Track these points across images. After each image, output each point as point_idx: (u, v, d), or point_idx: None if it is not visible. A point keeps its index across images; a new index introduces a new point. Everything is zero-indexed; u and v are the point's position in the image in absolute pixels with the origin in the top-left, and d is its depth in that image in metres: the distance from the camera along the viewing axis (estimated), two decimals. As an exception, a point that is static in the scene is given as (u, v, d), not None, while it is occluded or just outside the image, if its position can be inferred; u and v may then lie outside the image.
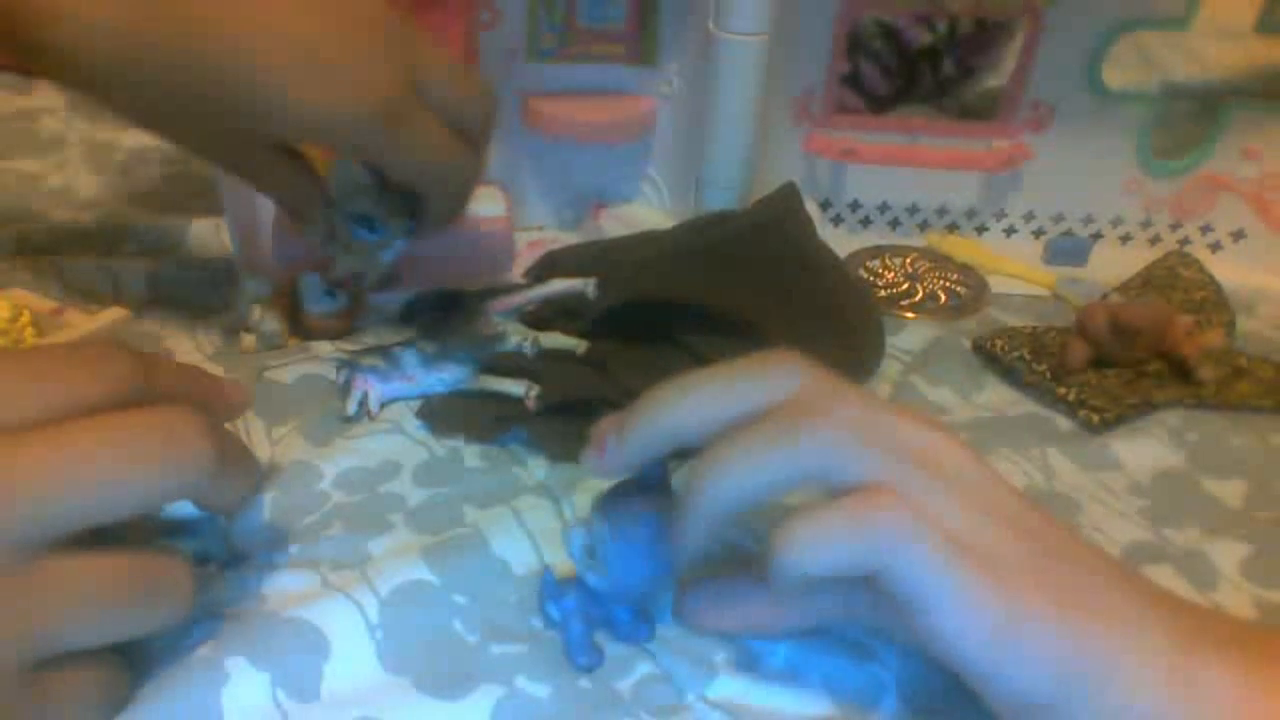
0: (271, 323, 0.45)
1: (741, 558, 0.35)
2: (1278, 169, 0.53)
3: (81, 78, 0.36)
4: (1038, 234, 0.57)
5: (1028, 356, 0.46)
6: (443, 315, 0.44)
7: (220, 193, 0.47)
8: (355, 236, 0.43)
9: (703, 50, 0.49)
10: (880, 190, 0.56)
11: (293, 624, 0.31)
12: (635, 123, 0.53)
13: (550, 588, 0.32)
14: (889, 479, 0.26)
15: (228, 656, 0.30)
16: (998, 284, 0.54)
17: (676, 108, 0.53)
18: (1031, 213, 0.56)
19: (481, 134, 0.41)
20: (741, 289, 0.43)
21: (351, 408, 0.41)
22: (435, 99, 0.38)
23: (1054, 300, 0.54)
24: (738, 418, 0.28)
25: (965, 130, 0.55)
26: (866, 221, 0.57)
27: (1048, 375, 0.45)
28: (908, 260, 0.55)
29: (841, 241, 0.53)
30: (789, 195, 0.44)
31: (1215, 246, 0.56)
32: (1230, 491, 0.40)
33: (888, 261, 0.55)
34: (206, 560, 0.34)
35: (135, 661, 0.29)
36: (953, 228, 0.57)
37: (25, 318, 0.42)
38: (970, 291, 0.53)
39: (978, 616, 0.25)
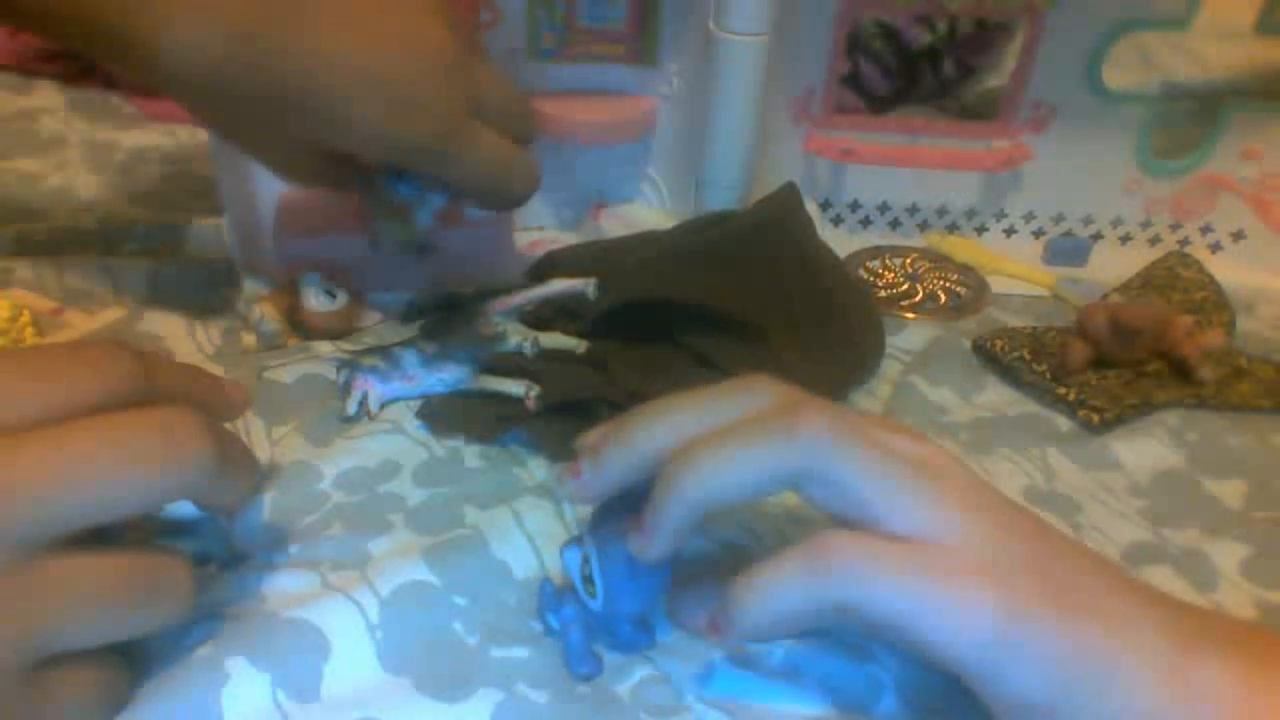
0: (271, 323, 0.45)
1: (741, 558, 0.35)
2: (1278, 169, 0.53)
3: (171, 84, 0.38)
4: (1038, 234, 0.57)
5: (1028, 356, 0.46)
6: (443, 315, 0.44)
7: (220, 193, 0.48)
8: (389, 189, 0.43)
9: (703, 50, 0.49)
10: (880, 190, 0.56)
11: (293, 624, 0.31)
12: (635, 123, 0.53)
13: (549, 598, 0.32)
14: (871, 475, 0.27)
15: (228, 656, 0.30)
16: (998, 284, 0.54)
17: (676, 108, 0.53)
18: (1031, 213, 0.56)
19: (528, 135, 0.45)
20: (742, 289, 0.43)
21: (351, 408, 0.41)
22: (491, 113, 0.42)
23: (1054, 300, 0.54)
24: None
25: (965, 130, 0.55)
26: (866, 222, 0.57)
27: (1048, 375, 0.45)
28: (908, 260, 0.55)
29: (841, 242, 0.53)
30: (789, 195, 0.44)
31: (1215, 247, 0.56)
32: (1230, 491, 0.40)
33: (888, 262, 0.55)
34: (206, 560, 0.34)
35: (135, 661, 0.29)
36: (953, 228, 0.57)
37: (25, 318, 0.42)
38: (970, 292, 0.53)
39: (973, 619, 0.25)
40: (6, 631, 0.25)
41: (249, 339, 0.45)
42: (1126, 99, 0.52)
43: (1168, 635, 0.26)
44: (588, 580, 0.30)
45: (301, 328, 0.46)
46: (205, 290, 0.50)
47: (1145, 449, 0.42)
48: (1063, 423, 0.44)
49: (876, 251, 0.56)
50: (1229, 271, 0.53)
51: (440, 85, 0.39)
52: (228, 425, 0.31)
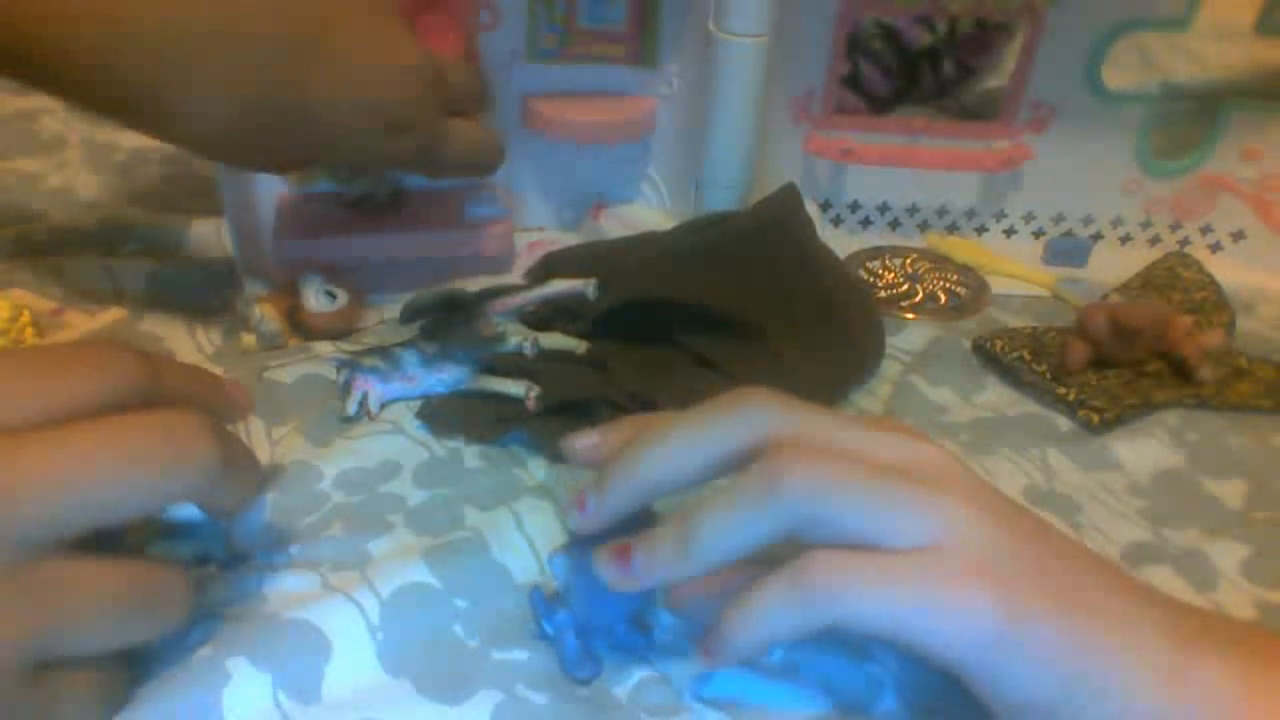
0: (271, 323, 0.45)
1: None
2: (1278, 169, 0.53)
3: (182, 144, 0.41)
4: (1038, 234, 0.57)
5: (1027, 357, 0.46)
6: (443, 315, 0.44)
7: (220, 193, 0.47)
8: None
9: (703, 51, 0.49)
10: (880, 191, 0.56)
11: (293, 625, 0.31)
12: (635, 123, 0.53)
13: (541, 606, 0.32)
14: (861, 507, 0.26)
15: (228, 657, 0.30)
16: (998, 284, 0.54)
17: (676, 108, 0.53)
18: (1031, 213, 0.56)
19: (485, 103, 0.50)
20: (742, 289, 0.43)
21: (351, 408, 0.41)
22: (455, 101, 0.46)
23: (1054, 300, 0.54)
24: (714, 463, 0.29)
25: (965, 131, 0.55)
26: (866, 222, 0.57)
27: (1048, 375, 0.45)
28: (908, 261, 0.55)
29: (841, 242, 0.54)
30: (789, 196, 0.44)
31: (1215, 247, 0.56)
32: (1230, 492, 0.40)
33: (888, 262, 0.55)
34: (206, 561, 0.34)
35: (135, 661, 0.29)
36: (953, 228, 0.57)
37: (25, 318, 0.42)
38: (970, 292, 0.53)
39: (972, 619, 0.25)
40: (7, 631, 0.25)
41: (249, 339, 0.45)
42: (1126, 99, 0.52)
43: (1168, 635, 0.26)
44: (566, 590, 0.31)
45: (301, 328, 0.46)
46: (205, 290, 0.50)
47: (1145, 449, 0.42)
48: (1063, 423, 0.44)
49: (876, 252, 0.56)
50: (1229, 272, 0.53)
51: (424, 103, 0.43)
52: (229, 426, 0.31)
